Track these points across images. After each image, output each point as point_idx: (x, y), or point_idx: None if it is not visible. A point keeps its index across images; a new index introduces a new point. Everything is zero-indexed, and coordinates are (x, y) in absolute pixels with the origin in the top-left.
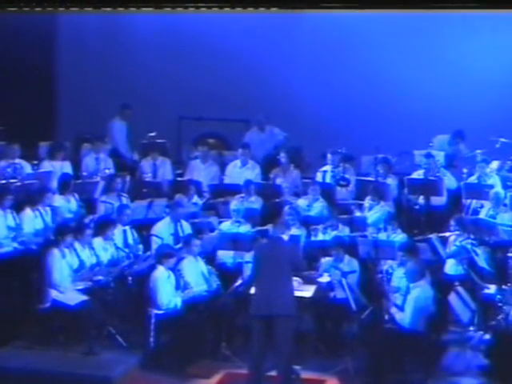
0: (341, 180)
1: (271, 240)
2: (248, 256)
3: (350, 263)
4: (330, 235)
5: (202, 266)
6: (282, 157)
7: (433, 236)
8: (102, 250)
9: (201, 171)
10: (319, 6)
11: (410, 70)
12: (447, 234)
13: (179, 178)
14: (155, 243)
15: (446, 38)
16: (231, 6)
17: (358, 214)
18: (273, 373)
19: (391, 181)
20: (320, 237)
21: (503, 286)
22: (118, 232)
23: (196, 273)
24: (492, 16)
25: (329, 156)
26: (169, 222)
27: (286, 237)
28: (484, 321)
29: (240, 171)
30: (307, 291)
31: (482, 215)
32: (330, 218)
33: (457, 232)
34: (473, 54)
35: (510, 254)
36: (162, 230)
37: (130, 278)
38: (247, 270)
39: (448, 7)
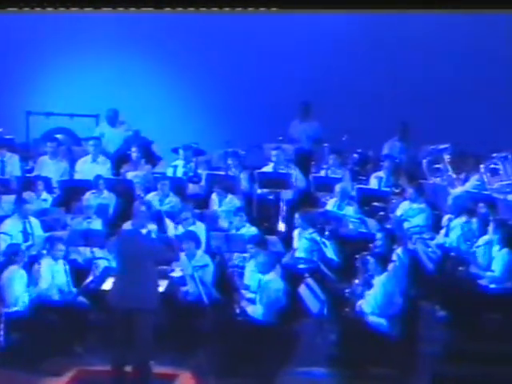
0: (194, 177)
1: (129, 235)
2: (100, 252)
3: (202, 258)
4: (184, 230)
5: (53, 263)
6: (133, 151)
7: (282, 229)
8: None
9: (50, 167)
10: (319, 5)
11: (261, 64)
12: (296, 228)
13: (28, 174)
14: (3, 241)
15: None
16: (231, 6)
17: (212, 208)
18: (129, 368)
19: (242, 175)
20: (173, 232)
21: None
22: None
23: (47, 271)
24: None
25: (181, 151)
26: (17, 219)
27: (144, 231)
28: (333, 311)
29: (90, 166)
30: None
31: (330, 207)
32: (183, 213)
33: (300, 227)
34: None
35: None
36: (11, 227)
37: None
38: (99, 267)
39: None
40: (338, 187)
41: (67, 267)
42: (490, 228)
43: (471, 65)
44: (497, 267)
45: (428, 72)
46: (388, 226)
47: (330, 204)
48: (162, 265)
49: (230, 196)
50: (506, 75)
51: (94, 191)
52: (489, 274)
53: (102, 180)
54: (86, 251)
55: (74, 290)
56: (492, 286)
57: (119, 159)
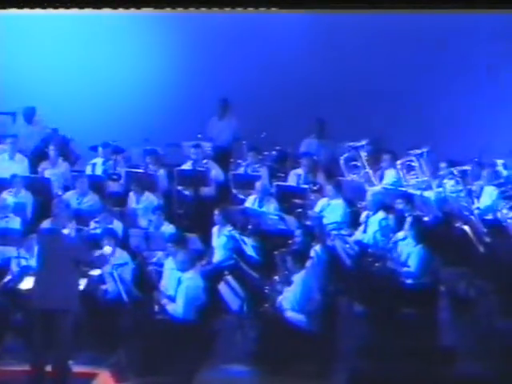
0: (113, 175)
1: (50, 234)
2: (19, 251)
3: (121, 256)
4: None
5: None
6: (51, 149)
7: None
8: None
9: None
10: (319, 5)
11: (179, 61)
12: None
13: None
14: None
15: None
16: (232, 6)
17: (130, 206)
18: (48, 367)
19: (161, 172)
20: (92, 230)
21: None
22: None
23: None
24: None
25: (100, 149)
26: None
27: (66, 231)
28: (253, 308)
29: (7, 164)
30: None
31: (249, 204)
32: (102, 212)
33: (219, 225)
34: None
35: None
36: None
37: None
38: (16, 266)
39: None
40: (258, 184)
41: None
42: (406, 224)
43: (387, 63)
44: (412, 263)
45: (345, 69)
46: (307, 223)
47: (250, 201)
48: (82, 265)
49: (146, 193)
50: (421, 74)
51: (10, 190)
52: (405, 269)
53: (19, 178)
54: (4, 250)
55: None
56: (408, 281)
57: (36, 157)
